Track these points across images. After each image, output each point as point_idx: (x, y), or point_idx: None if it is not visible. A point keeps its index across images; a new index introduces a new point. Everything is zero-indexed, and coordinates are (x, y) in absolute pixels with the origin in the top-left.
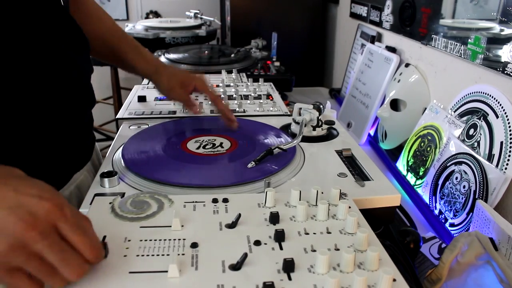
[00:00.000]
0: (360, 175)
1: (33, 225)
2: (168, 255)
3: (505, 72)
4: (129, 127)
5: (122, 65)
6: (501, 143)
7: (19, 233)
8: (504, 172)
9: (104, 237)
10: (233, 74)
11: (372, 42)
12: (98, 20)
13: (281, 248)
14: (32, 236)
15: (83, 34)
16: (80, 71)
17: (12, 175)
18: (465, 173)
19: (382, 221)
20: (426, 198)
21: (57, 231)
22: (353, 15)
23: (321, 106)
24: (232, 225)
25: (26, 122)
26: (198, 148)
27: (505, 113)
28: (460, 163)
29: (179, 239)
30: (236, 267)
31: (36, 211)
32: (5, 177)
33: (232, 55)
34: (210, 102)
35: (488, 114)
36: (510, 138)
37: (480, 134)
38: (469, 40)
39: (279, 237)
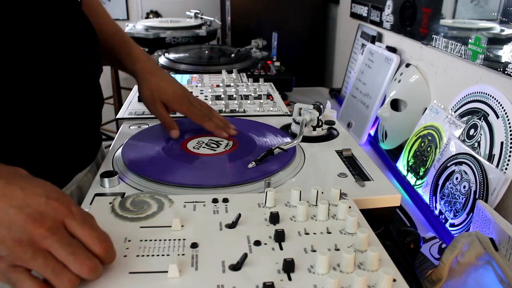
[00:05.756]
0: (360, 175)
1: (41, 222)
2: (168, 255)
3: (506, 72)
4: (129, 127)
5: (116, 64)
6: (502, 143)
7: (27, 230)
8: (505, 172)
9: None
10: (233, 74)
11: (373, 42)
12: (102, 18)
13: (281, 248)
14: (41, 233)
15: (95, 33)
16: (90, 70)
17: (18, 175)
18: (465, 173)
19: (382, 221)
20: (426, 198)
21: (65, 228)
22: (354, 15)
23: (321, 106)
24: (232, 225)
25: (31, 120)
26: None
27: (506, 113)
28: (460, 163)
29: (179, 239)
30: (236, 267)
31: (45, 210)
32: (11, 176)
33: (232, 55)
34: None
35: (488, 115)
36: (511, 139)
37: (481, 134)
38: (470, 40)
39: (279, 237)
